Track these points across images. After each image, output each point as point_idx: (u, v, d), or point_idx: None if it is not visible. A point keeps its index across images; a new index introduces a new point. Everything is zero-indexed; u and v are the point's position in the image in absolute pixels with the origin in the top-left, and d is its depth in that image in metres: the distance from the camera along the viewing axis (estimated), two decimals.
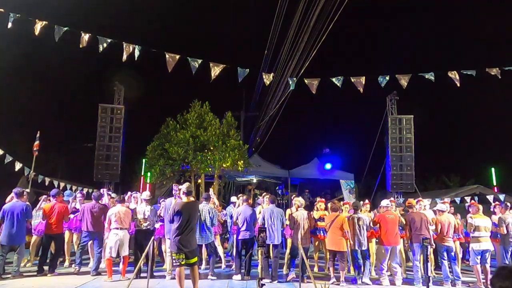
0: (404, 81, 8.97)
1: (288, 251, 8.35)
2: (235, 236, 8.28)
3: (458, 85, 8.90)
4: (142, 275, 7.26)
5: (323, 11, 9.91)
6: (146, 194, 8.16)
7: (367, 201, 9.84)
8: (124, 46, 8.57)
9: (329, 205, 8.47)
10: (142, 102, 19.96)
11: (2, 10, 8.17)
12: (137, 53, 8.59)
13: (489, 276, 7.22)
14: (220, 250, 8.91)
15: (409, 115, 14.30)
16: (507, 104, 19.65)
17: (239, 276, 7.55)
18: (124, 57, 8.54)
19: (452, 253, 7.93)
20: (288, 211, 8.70)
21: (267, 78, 9.37)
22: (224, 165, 12.38)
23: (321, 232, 8.69)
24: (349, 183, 16.14)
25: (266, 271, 7.46)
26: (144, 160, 14.08)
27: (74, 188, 12.93)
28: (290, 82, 9.42)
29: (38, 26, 8.22)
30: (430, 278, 6.83)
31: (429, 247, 7.56)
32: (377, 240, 8.42)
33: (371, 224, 8.27)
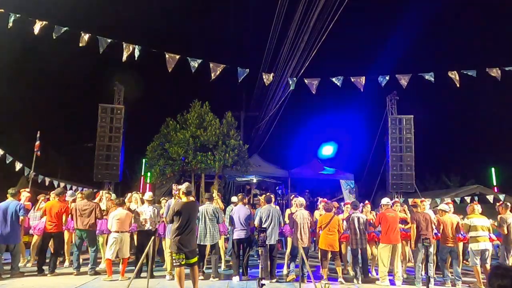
0: (404, 81, 8.97)
1: (288, 251, 8.35)
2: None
3: (458, 85, 8.90)
4: (142, 275, 7.26)
5: (323, 11, 9.93)
6: (149, 195, 8.16)
7: (367, 201, 9.83)
8: (124, 46, 8.57)
9: (322, 205, 8.50)
10: (142, 102, 19.95)
11: (2, 10, 8.17)
12: (137, 53, 8.58)
13: None
14: (221, 251, 8.91)
15: (409, 115, 14.31)
16: (507, 104, 19.64)
17: (237, 277, 7.55)
18: (124, 57, 8.53)
19: (454, 254, 7.93)
20: (287, 211, 8.70)
21: (267, 79, 9.36)
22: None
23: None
24: (349, 183, 16.15)
25: (266, 271, 7.46)
26: (144, 160, 14.09)
27: (74, 188, 12.93)
28: (290, 82, 9.42)
29: (38, 26, 8.21)
30: (431, 278, 6.83)
31: (429, 247, 7.57)
32: (377, 241, 8.43)
33: (373, 227, 8.27)
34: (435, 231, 8.29)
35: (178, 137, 12.32)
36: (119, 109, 13.93)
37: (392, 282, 7.62)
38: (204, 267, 8.33)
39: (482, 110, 23.44)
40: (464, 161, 23.41)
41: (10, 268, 7.44)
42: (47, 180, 12.38)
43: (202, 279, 7.25)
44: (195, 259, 5.94)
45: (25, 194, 8.40)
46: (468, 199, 12.79)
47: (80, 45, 8.36)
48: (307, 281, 7.33)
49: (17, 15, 8.20)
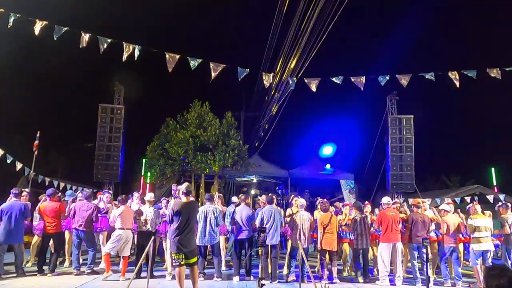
0: (404, 80, 8.97)
1: (288, 251, 8.35)
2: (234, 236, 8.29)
3: (458, 85, 8.90)
4: (142, 275, 7.26)
5: (323, 11, 9.92)
6: (150, 195, 8.16)
7: (367, 202, 9.83)
8: (124, 46, 8.57)
9: (319, 205, 8.51)
10: (142, 102, 19.97)
11: (2, 10, 8.17)
12: (137, 53, 8.58)
13: None
14: (222, 251, 8.91)
15: (409, 115, 14.31)
16: (507, 105, 19.65)
17: (237, 277, 7.54)
18: (124, 57, 8.53)
19: (455, 254, 7.93)
20: (288, 211, 8.70)
21: (267, 79, 9.36)
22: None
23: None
24: (349, 183, 16.16)
25: (266, 271, 7.46)
26: (144, 160, 14.09)
27: (74, 188, 12.93)
28: (290, 82, 9.42)
29: (38, 26, 8.21)
30: (430, 278, 6.83)
31: (422, 247, 7.59)
32: (378, 241, 8.43)
33: (375, 226, 8.27)
34: (432, 232, 8.30)
35: (178, 137, 12.31)
36: (119, 109, 13.92)
37: (392, 282, 7.62)
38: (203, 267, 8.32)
39: (482, 110, 23.46)
40: (464, 161, 23.44)
41: (14, 267, 7.46)
42: (47, 180, 12.38)
43: (202, 280, 7.25)
44: (195, 259, 5.93)
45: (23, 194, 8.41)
46: (468, 199, 12.78)
47: (81, 45, 8.36)
48: (307, 281, 7.33)
49: (17, 15, 8.20)
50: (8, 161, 11.07)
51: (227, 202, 10.87)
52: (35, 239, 8.65)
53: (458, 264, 7.91)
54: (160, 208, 8.38)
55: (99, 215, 8.34)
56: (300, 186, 17.72)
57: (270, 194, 8.55)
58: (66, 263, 8.67)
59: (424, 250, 7.59)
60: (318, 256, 8.50)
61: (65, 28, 8.29)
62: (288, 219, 8.18)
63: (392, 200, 8.74)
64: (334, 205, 10.26)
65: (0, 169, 11.50)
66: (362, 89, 8.95)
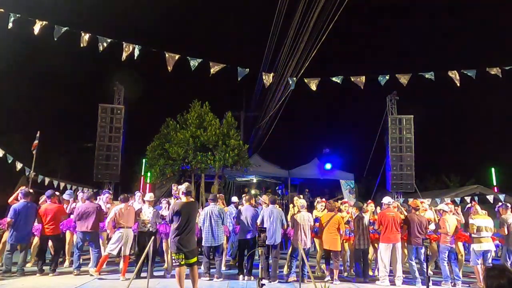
0: (404, 80, 8.96)
1: (289, 251, 8.34)
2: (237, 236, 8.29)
3: (458, 84, 8.89)
4: (142, 275, 7.26)
5: (323, 11, 9.92)
6: (150, 196, 8.15)
7: (370, 200, 9.82)
8: (124, 46, 8.57)
9: (320, 205, 8.50)
10: (142, 102, 19.98)
11: (1, 10, 8.17)
12: (136, 52, 8.57)
13: None
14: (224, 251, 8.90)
15: (409, 115, 14.31)
16: (507, 104, 19.66)
17: (242, 277, 7.55)
18: (124, 56, 8.53)
19: (453, 254, 7.93)
20: (290, 212, 8.70)
21: (267, 79, 9.35)
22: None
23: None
24: (349, 183, 16.16)
25: (266, 271, 7.45)
26: (144, 160, 14.09)
27: (74, 188, 12.93)
28: (290, 82, 9.41)
29: (38, 26, 8.21)
30: (430, 278, 6.83)
31: (420, 248, 7.59)
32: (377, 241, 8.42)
33: (375, 227, 8.27)
34: (430, 232, 8.30)
35: (178, 137, 12.31)
36: (119, 109, 13.92)
37: (392, 282, 7.62)
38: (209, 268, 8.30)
39: (482, 110, 23.47)
40: (464, 161, 23.44)
41: (17, 267, 7.47)
42: (47, 180, 12.38)
43: (207, 279, 7.25)
44: (195, 259, 5.93)
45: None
46: (468, 199, 12.77)
47: (81, 45, 8.35)
48: (307, 281, 7.33)
49: (17, 15, 8.20)
50: (8, 161, 11.08)
51: (227, 202, 10.86)
52: (36, 240, 8.65)
53: (456, 265, 7.91)
54: (161, 209, 8.37)
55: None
56: (300, 186, 17.72)
57: (271, 195, 8.56)
58: (66, 263, 8.67)
59: (422, 251, 7.60)
60: (318, 256, 8.52)
61: (65, 28, 8.29)
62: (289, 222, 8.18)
63: (393, 200, 8.74)
64: (334, 205, 10.25)
65: (0, 169, 11.50)
66: (362, 87, 8.94)
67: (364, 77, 9.05)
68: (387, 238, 7.69)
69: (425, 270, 6.94)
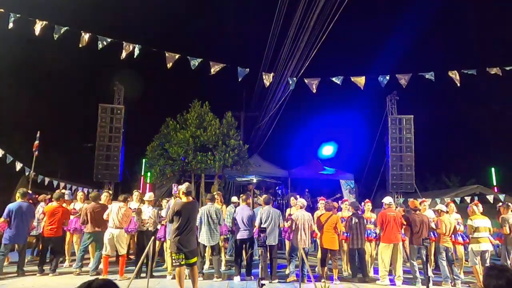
0: (404, 80, 8.96)
1: (287, 251, 8.35)
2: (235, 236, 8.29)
3: (458, 85, 8.89)
4: (142, 275, 7.26)
5: (323, 11, 9.92)
6: (149, 195, 8.16)
7: (367, 199, 9.83)
8: (124, 45, 8.57)
9: (321, 204, 8.51)
10: (142, 102, 19.96)
11: (2, 10, 8.17)
12: (137, 52, 8.57)
13: None
14: (222, 251, 8.91)
15: (409, 115, 14.31)
16: (508, 104, 19.66)
17: (238, 277, 7.54)
18: (123, 55, 8.53)
19: (450, 254, 7.93)
20: (288, 211, 8.70)
21: (267, 79, 9.36)
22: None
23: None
24: (349, 183, 16.15)
25: (266, 271, 7.45)
26: (144, 160, 14.08)
27: (74, 188, 12.93)
28: (290, 82, 9.42)
29: (38, 26, 8.21)
30: (430, 278, 6.83)
31: (428, 247, 7.58)
32: (376, 242, 8.43)
33: (374, 227, 8.27)
34: (433, 229, 8.30)
35: (178, 137, 12.31)
36: (119, 109, 13.92)
37: (392, 282, 7.62)
38: (207, 266, 8.32)
39: (482, 110, 23.45)
40: (464, 161, 23.42)
41: (17, 267, 7.48)
42: (47, 180, 12.38)
43: (202, 279, 7.25)
44: (195, 259, 5.94)
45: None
46: (468, 199, 12.77)
47: (80, 45, 8.36)
48: (307, 281, 7.33)
49: (17, 15, 8.20)
50: (8, 161, 11.08)
51: (227, 202, 10.86)
52: (68, 237, 8.68)
53: (454, 264, 7.92)
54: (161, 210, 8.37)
55: (72, 216, 8.41)
56: (300, 186, 17.71)
57: (265, 195, 8.57)
58: (66, 263, 8.68)
59: (424, 251, 7.60)
60: (318, 256, 8.51)
61: (65, 28, 8.29)
62: (286, 222, 8.18)
63: (394, 200, 8.75)
64: (332, 205, 10.26)
65: (0, 169, 11.50)
66: (362, 88, 8.94)
67: (364, 77, 9.05)
68: (387, 238, 7.69)
69: (426, 270, 6.95)
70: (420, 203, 8.51)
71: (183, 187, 6.11)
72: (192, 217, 5.97)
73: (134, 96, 16.33)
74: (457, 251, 8.60)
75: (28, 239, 9.12)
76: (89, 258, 8.43)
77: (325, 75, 9.09)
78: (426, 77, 9.02)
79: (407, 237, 8.07)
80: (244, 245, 7.82)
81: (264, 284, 5.70)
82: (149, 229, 7.76)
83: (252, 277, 7.60)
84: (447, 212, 8.33)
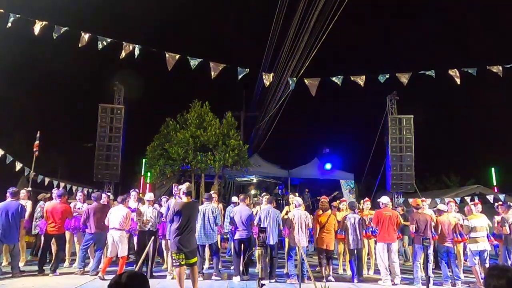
0: (404, 78, 8.96)
1: (286, 250, 8.35)
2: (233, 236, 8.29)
3: (459, 82, 8.88)
4: None
5: (322, 11, 9.92)
6: (149, 195, 8.15)
7: (367, 198, 9.82)
8: (124, 45, 8.57)
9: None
10: (142, 102, 19.97)
11: (1, 10, 8.17)
12: (137, 52, 8.57)
13: None
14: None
15: (409, 115, 14.31)
16: (508, 104, 19.66)
17: (238, 277, 7.54)
18: (123, 54, 8.52)
19: (452, 254, 7.93)
20: (285, 209, 8.70)
21: (267, 79, 9.36)
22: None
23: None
24: (349, 183, 16.15)
25: (266, 271, 7.45)
26: (144, 160, 14.08)
27: (74, 188, 12.92)
28: (290, 82, 9.42)
29: (38, 26, 8.21)
30: (430, 278, 6.83)
31: (429, 247, 7.57)
32: (375, 240, 8.43)
33: (371, 224, 8.26)
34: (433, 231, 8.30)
35: (178, 137, 12.31)
36: (119, 109, 13.92)
37: (391, 281, 7.62)
38: (207, 266, 8.31)
39: (482, 110, 23.47)
40: (464, 161, 23.43)
41: (11, 268, 7.45)
42: (47, 180, 12.38)
43: (202, 279, 7.25)
44: (195, 259, 5.94)
45: (22, 192, 8.44)
46: (468, 199, 12.77)
47: (80, 45, 8.35)
48: (307, 281, 7.32)
49: (17, 15, 8.20)
50: (8, 161, 11.08)
51: (227, 202, 10.86)
52: (69, 236, 8.64)
53: (455, 265, 7.91)
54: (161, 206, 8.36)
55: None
56: (300, 186, 17.71)
57: (267, 196, 8.57)
58: (66, 263, 8.67)
59: (430, 251, 7.60)
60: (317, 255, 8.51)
61: (65, 28, 8.29)
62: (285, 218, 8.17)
63: (393, 200, 8.74)
64: (332, 204, 10.27)
65: (0, 169, 11.50)
66: (362, 85, 8.92)
67: (364, 76, 9.05)
68: (383, 238, 7.70)
69: (426, 270, 6.94)
70: (421, 202, 8.49)
71: (184, 187, 6.11)
72: (192, 217, 5.96)
73: (134, 96, 16.33)
74: (455, 249, 8.59)
75: (28, 239, 9.17)
76: (88, 258, 8.42)
77: (325, 75, 9.10)
78: (427, 73, 9.01)
79: (405, 236, 8.05)
80: (242, 245, 7.82)
81: (264, 284, 5.70)
82: (150, 229, 7.76)
83: (249, 276, 7.58)
84: (447, 211, 8.31)
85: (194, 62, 8.56)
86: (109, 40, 8.44)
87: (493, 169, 14.92)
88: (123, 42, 8.57)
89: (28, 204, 8.39)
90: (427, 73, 8.96)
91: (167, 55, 8.54)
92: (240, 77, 8.78)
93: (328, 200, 8.80)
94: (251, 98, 20.30)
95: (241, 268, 7.67)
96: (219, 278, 7.48)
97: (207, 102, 13.23)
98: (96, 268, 7.66)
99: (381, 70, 9.13)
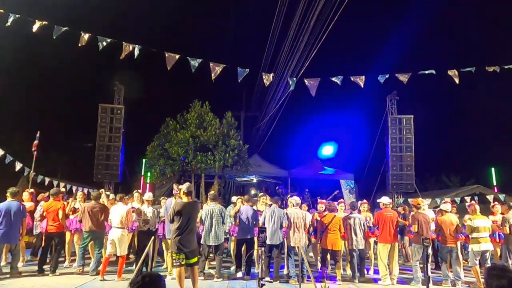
0: (404, 78, 8.97)
1: (286, 250, 8.35)
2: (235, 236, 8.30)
3: (457, 81, 8.89)
4: None
5: (322, 11, 9.93)
6: (148, 195, 8.15)
7: (364, 200, 9.83)
8: (124, 45, 8.57)
9: (319, 206, 8.50)
10: (142, 102, 19.96)
11: (1, 10, 8.17)
12: (137, 52, 8.58)
13: None
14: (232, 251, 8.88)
15: (409, 115, 14.31)
16: (507, 104, 19.65)
17: (240, 273, 7.56)
18: (123, 55, 8.53)
19: (454, 254, 7.93)
20: (284, 210, 8.71)
21: (267, 79, 9.36)
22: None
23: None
24: (349, 183, 16.16)
25: (266, 271, 7.45)
26: (144, 160, 14.09)
27: (74, 188, 12.92)
28: (290, 82, 9.42)
29: (38, 26, 8.21)
30: (430, 278, 6.83)
31: (429, 247, 7.57)
32: (376, 240, 8.43)
33: (371, 224, 8.26)
34: (432, 230, 8.30)
35: (178, 137, 12.32)
36: (119, 109, 13.92)
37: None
38: (207, 267, 8.31)
39: (482, 110, 23.46)
40: (464, 161, 23.41)
41: (10, 268, 7.45)
42: (47, 180, 12.38)
43: (202, 279, 7.25)
44: (195, 259, 5.93)
45: (25, 194, 8.46)
46: (468, 199, 12.77)
47: (80, 45, 8.36)
48: (307, 281, 7.32)
49: (17, 15, 8.20)
50: (8, 161, 11.08)
51: (227, 202, 10.86)
52: (69, 236, 8.68)
53: (457, 264, 7.90)
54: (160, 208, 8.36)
55: (72, 216, 8.35)
56: (300, 186, 17.72)
57: (265, 197, 8.55)
58: (66, 263, 8.67)
59: (430, 251, 7.60)
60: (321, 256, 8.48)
61: (65, 28, 8.29)
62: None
63: (391, 200, 8.74)
64: (334, 205, 10.27)
65: (0, 169, 11.50)
66: (362, 86, 8.94)
67: (364, 76, 9.06)
68: (384, 238, 7.70)
69: (426, 270, 6.94)
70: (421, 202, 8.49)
71: (184, 187, 6.11)
72: (192, 217, 5.96)
73: (134, 96, 16.33)
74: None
75: (28, 239, 9.16)
76: (89, 258, 8.43)
77: (325, 75, 9.10)
78: (426, 72, 9.01)
79: (405, 236, 8.06)
80: (245, 245, 7.82)
81: (264, 284, 5.69)
82: (150, 228, 7.76)
83: (249, 277, 7.58)
84: (449, 211, 8.29)
85: (194, 63, 8.57)
86: (109, 40, 8.45)
87: (493, 169, 14.92)
88: (123, 42, 8.58)
89: (31, 205, 8.42)
90: (427, 72, 8.97)
91: (167, 55, 8.54)
92: (240, 78, 8.79)
93: (328, 201, 8.81)
94: (251, 98, 20.33)
95: (242, 268, 7.68)
96: (221, 279, 7.48)
97: (207, 102, 13.24)
98: (96, 268, 7.66)
99: (381, 71, 9.15)
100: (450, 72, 9.00)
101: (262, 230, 6.72)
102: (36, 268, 7.68)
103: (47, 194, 9.27)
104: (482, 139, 23.49)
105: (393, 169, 13.95)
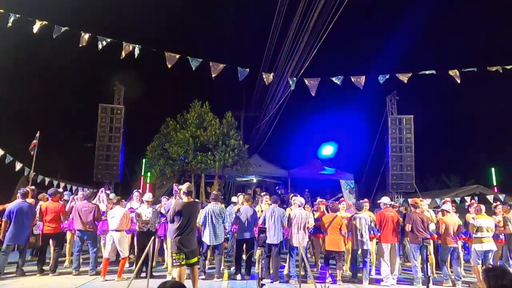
0: (404, 77, 8.97)
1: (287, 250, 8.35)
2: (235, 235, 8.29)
3: (459, 81, 8.88)
4: (142, 275, 7.25)
5: (323, 11, 9.93)
6: (148, 196, 8.14)
7: (366, 199, 9.83)
8: (124, 45, 8.57)
9: (324, 206, 8.48)
10: (142, 102, 19.95)
11: (2, 10, 8.17)
12: (137, 52, 8.57)
13: None
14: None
15: (409, 115, 14.31)
16: (508, 104, 19.65)
17: (239, 275, 7.54)
18: (123, 54, 8.52)
19: (456, 254, 7.93)
20: (287, 210, 8.71)
21: (267, 78, 9.36)
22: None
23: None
24: (349, 183, 16.16)
25: (266, 271, 7.45)
26: (144, 160, 14.09)
27: (74, 188, 12.92)
28: (290, 82, 9.42)
29: (38, 26, 8.21)
30: (430, 278, 6.82)
31: (428, 247, 7.58)
32: (377, 240, 8.42)
33: (372, 225, 8.26)
34: (433, 230, 8.30)
35: (178, 137, 12.32)
36: (119, 109, 13.92)
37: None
38: (206, 267, 8.31)
39: (482, 110, 23.44)
40: (464, 161, 23.40)
41: (16, 267, 7.47)
42: (47, 180, 12.37)
43: (202, 279, 7.25)
44: (195, 259, 5.93)
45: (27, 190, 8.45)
46: (468, 199, 12.77)
47: (80, 45, 8.35)
48: (307, 277, 7.32)
49: (17, 15, 8.19)
50: (8, 161, 11.07)
51: (227, 202, 10.86)
52: (70, 236, 8.67)
53: (457, 264, 7.90)
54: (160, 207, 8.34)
55: (103, 217, 8.29)
56: (300, 186, 17.71)
57: (267, 196, 8.53)
58: (66, 263, 8.67)
59: (424, 251, 7.59)
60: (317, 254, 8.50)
61: (65, 28, 8.29)
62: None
63: (391, 200, 8.74)
64: (337, 206, 10.27)
65: (0, 169, 11.49)
66: (362, 88, 8.94)
67: (364, 77, 9.05)
68: (385, 238, 7.69)
69: (426, 270, 6.94)
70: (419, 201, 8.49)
71: (184, 187, 6.10)
72: (192, 217, 5.96)
73: (134, 96, 16.33)
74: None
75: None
76: (88, 258, 8.42)
77: (325, 75, 9.10)
78: (427, 72, 9.01)
79: (406, 236, 8.05)
80: (245, 245, 7.81)
81: (264, 284, 5.69)
82: (150, 229, 7.76)
83: (249, 277, 7.58)
84: (450, 211, 8.28)
85: (194, 63, 8.56)
86: (109, 40, 8.44)
87: (493, 169, 14.92)
88: (123, 42, 8.58)
89: (31, 201, 8.42)
90: (427, 72, 8.97)
91: (167, 55, 8.54)
92: (240, 78, 8.78)
93: (331, 201, 8.81)
94: (251, 98, 20.32)
95: (242, 270, 7.68)
96: (221, 279, 7.47)
97: (207, 102, 13.25)
98: (94, 268, 7.66)
99: (381, 71, 9.14)
100: (451, 72, 8.99)
101: (262, 230, 6.72)
102: (35, 268, 7.68)
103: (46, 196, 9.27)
104: (482, 139, 23.48)
105: (393, 169, 13.95)
